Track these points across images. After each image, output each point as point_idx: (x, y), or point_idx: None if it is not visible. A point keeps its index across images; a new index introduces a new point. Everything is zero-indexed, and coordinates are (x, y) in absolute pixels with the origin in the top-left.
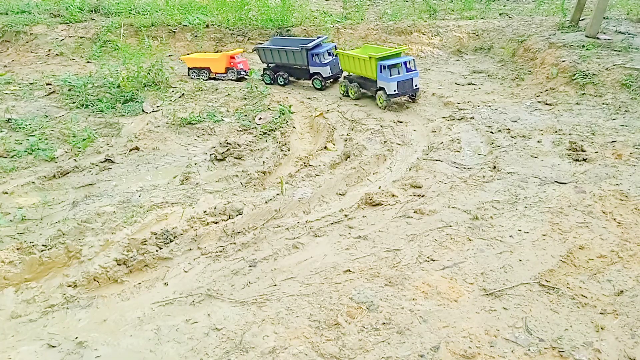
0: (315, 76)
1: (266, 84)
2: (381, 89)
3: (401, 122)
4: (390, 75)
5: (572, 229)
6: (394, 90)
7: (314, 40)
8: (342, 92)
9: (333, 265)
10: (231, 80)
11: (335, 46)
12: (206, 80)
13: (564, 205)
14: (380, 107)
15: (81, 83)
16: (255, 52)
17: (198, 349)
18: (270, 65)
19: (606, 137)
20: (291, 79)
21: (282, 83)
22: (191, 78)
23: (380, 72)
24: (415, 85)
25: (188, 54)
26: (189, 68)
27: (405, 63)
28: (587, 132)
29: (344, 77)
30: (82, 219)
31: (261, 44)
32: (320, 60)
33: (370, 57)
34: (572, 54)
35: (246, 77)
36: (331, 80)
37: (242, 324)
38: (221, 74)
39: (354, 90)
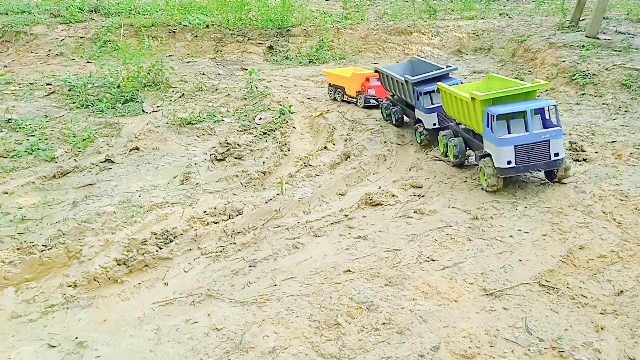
0: (418, 125)
1: (383, 118)
2: (487, 155)
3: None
4: (507, 132)
5: (572, 229)
6: (509, 162)
7: (437, 69)
8: (441, 151)
9: (333, 265)
10: (357, 106)
11: (460, 82)
12: (341, 101)
13: (564, 205)
14: (486, 189)
15: (81, 83)
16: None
17: (198, 349)
18: (392, 95)
19: (606, 137)
20: (407, 119)
21: (394, 123)
22: (329, 96)
23: (488, 124)
24: (556, 155)
25: (339, 66)
26: (328, 84)
27: (538, 112)
28: (587, 132)
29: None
30: (82, 219)
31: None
32: (428, 102)
33: (473, 99)
34: (572, 54)
35: (377, 106)
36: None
37: (242, 324)
38: (353, 97)
39: (452, 151)
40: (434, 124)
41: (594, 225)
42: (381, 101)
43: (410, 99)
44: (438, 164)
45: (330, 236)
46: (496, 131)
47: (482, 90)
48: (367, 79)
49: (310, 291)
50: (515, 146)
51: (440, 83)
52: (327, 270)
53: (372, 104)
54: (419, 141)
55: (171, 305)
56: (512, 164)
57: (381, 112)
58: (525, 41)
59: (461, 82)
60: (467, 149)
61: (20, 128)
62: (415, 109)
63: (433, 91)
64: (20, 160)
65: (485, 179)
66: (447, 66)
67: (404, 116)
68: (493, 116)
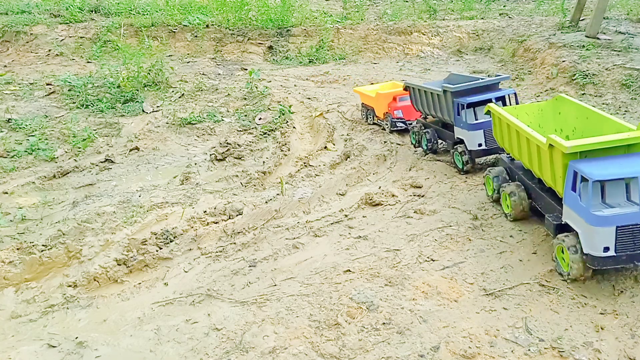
0: (459, 146)
1: (412, 144)
2: (570, 229)
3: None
4: (601, 200)
5: None
6: (607, 249)
7: (483, 79)
8: (498, 202)
9: (333, 265)
10: (384, 130)
11: (515, 93)
12: (371, 124)
13: None
14: (565, 275)
15: (81, 83)
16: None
17: (198, 349)
18: (424, 117)
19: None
20: (440, 142)
21: (426, 148)
22: (362, 118)
23: (574, 188)
24: None
25: (372, 83)
26: (361, 104)
27: None
28: None
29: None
30: (82, 219)
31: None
32: (472, 117)
33: (551, 147)
34: (572, 54)
35: (406, 130)
36: (482, 159)
37: (242, 324)
38: (380, 120)
39: (510, 203)
40: (480, 145)
41: None
42: (410, 123)
43: (449, 115)
44: (438, 164)
45: (330, 236)
46: (588, 200)
47: (547, 117)
48: (394, 99)
49: (310, 291)
50: (617, 227)
51: (492, 105)
52: (327, 270)
53: (400, 128)
54: (460, 166)
55: (171, 305)
56: (611, 252)
57: (410, 137)
58: (525, 41)
59: (515, 94)
60: (531, 200)
61: (20, 128)
62: (455, 127)
63: (478, 103)
64: (20, 160)
65: (568, 263)
66: (497, 75)
67: (439, 140)
68: (585, 179)
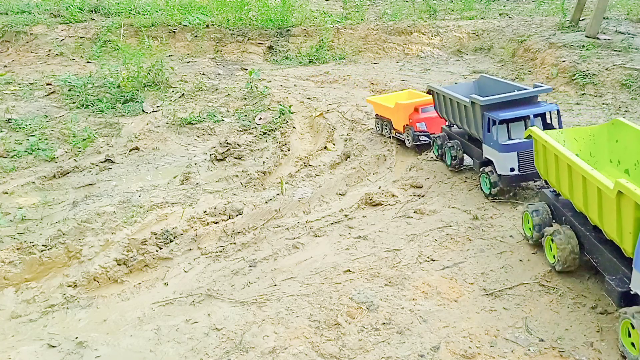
0: (487, 167)
1: (435, 157)
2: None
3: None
4: None
5: None
6: None
7: (518, 90)
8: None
9: (333, 265)
10: (406, 144)
11: (557, 110)
12: (388, 137)
13: None
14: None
15: (81, 83)
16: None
17: (198, 349)
18: (449, 125)
19: None
20: (467, 159)
21: (450, 164)
22: (376, 131)
23: None
24: None
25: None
26: (375, 115)
27: None
28: None
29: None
30: (82, 219)
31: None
32: (504, 136)
33: (620, 193)
34: (572, 54)
35: (428, 144)
36: (515, 185)
37: (242, 324)
38: (400, 133)
39: (556, 251)
40: (512, 169)
41: None
42: (435, 137)
43: (476, 129)
44: (438, 164)
45: (330, 236)
46: None
47: (601, 145)
48: (416, 109)
49: (310, 291)
50: None
51: (534, 130)
52: (327, 270)
53: (423, 142)
54: (487, 191)
55: (171, 305)
56: None
57: (432, 149)
58: (525, 41)
59: (558, 111)
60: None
61: (20, 128)
62: (484, 145)
63: (513, 120)
64: (20, 160)
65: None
66: (536, 86)
67: (464, 154)
68: None
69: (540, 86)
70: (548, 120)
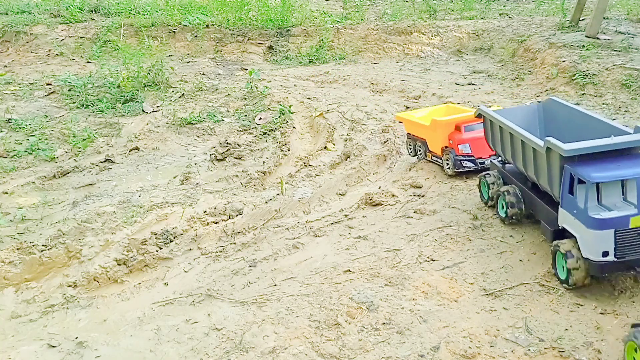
0: (562, 241)
1: (483, 200)
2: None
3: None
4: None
5: None
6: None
7: (611, 128)
8: None
9: (333, 265)
10: (446, 171)
11: None
12: (421, 160)
13: None
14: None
15: (81, 83)
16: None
17: (198, 349)
18: (501, 159)
19: None
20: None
21: (505, 214)
22: (409, 154)
23: None
24: None
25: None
26: (407, 134)
27: None
28: None
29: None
30: (82, 219)
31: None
32: (594, 205)
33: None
34: (572, 54)
35: (475, 171)
36: (607, 275)
37: (242, 324)
38: (438, 156)
39: None
40: (605, 254)
41: None
42: (482, 163)
43: (550, 184)
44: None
45: (330, 236)
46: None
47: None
48: (457, 128)
49: (310, 291)
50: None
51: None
52: (327, 270)
53: (467, 169)
54: (563, 276)
55: (171, 305)
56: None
57: (479, 187)
58: (525, 41)
59: None
60: None
61: (20, 128)
62: (561, 209)
63: (611, 182)
64: (20, 160)
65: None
66: (638, 129)
67: (523, 208)
68: None
69: None
70: None
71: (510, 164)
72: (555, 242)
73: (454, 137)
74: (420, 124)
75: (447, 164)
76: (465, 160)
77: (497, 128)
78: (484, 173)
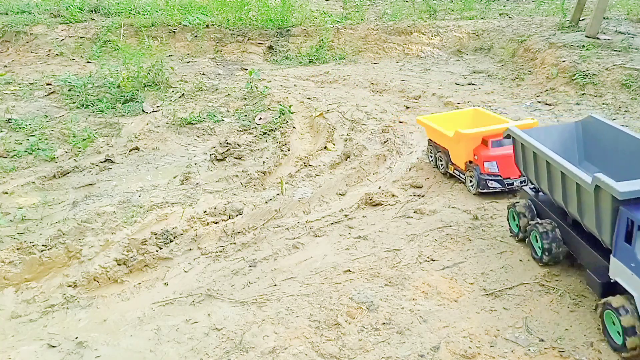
0: (614, 297)
1: (512, 233)
2: None
3: (401, 122)
4: None
5: None
6: None
7: None
8: None
9: (333, 265)
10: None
11: None
12: (443, 173)
13: None
14: None
15: (81, 83)
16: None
17: (198, 349)
18: (533, 185)
19: None
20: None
21: (541, 253)
22: (429, 161)
23: None
24: None
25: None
26: (428, 141)
27: None
28: None
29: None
30: (82, 219)
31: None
32: None
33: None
34: (572, 54)
35: (502, 193)
36: None
37: (242, 324)
38: (461, 171)
39: None
40: None
41: None
42: (511, 184)
43: (598, 226)
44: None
45: (330, 236)
46: None
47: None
48: (484, 142)
49: (310, 291)
50: None
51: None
52: (327, 270)
53: (493, 190)
54: (619, 340)
55: (171, 305)
56: None
57: (508, 219)
58: (525, 41)
59: None
60: None
61: (20, 128)
62: (613, 258)
63: None
64: (20, 160)
65: None
66: None
67: (562, 250)
68: None
69: None
70: None
71: (538, 191)
72: (604, 300)
73: (479, 153)
74: (445, 134)
75: (471, 182)
76: (491, 179)
77: (528, 152)
78: (513, 202)
